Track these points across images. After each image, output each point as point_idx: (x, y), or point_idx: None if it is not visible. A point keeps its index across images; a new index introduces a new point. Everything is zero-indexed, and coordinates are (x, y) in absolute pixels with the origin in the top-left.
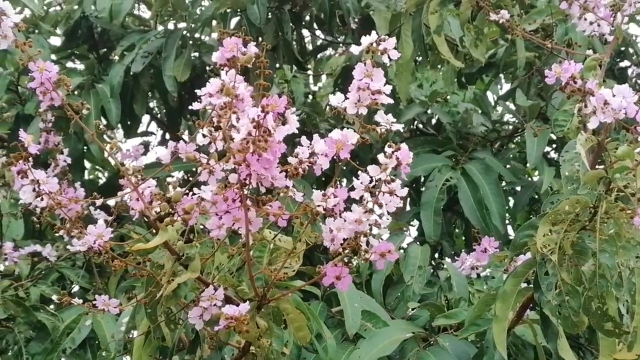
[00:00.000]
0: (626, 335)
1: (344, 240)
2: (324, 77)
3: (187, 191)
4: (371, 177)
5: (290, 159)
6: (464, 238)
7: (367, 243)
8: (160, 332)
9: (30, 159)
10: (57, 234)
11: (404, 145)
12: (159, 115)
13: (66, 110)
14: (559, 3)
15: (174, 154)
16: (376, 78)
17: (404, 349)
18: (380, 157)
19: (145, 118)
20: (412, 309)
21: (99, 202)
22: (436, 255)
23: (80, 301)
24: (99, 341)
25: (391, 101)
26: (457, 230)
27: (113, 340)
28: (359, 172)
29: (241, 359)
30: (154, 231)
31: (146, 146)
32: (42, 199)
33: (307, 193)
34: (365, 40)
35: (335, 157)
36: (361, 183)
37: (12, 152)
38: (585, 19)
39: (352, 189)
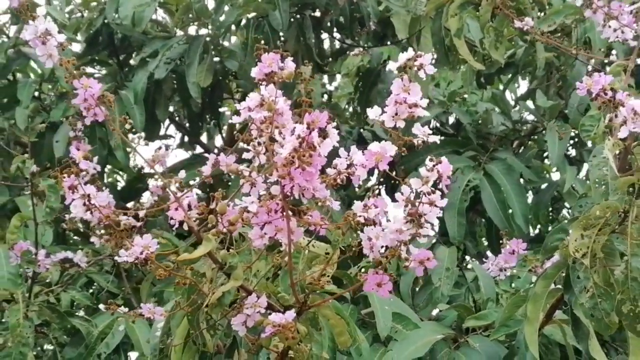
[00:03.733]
0: None
1: (383, 248)
2: (338, 76)
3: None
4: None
5: (328, 170)
6: (485, 238)
7: (407, 251)
8: (202, 338)
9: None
10: (83, 240)
11: (444, 159)
12: (177, 119)
13: (109, 125)
14: (577, 3)
15: (215, 166)
16: (413, 92)
17: (434, 350)
18: (422, 170)
19: (165, 121)
20: (441, 311)
21: (141, 213)
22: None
23: (126, 309)
24: (132, 346)
25: (427, 114)
26: (479, 229)
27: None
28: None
29: None
30: (181, 239)
31: (166, 148)
32: (91, 213)
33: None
34: (403, 56)
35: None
36: (402, 194)
37: (38, 160)
38: (610, 26)
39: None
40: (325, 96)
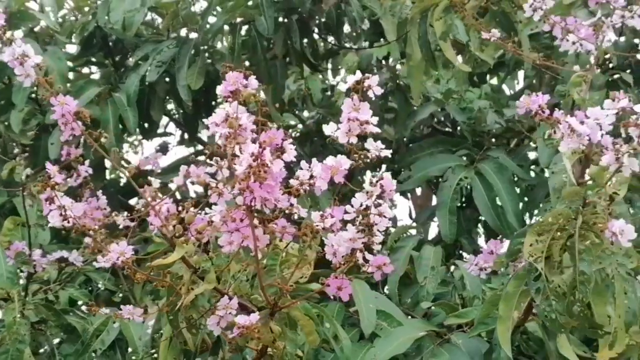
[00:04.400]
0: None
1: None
2: (342, 70)
3: (199, 211)
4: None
5: (292, 181)
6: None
7: (364, 258)
8: (183, 336)
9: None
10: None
11: (387, 175)
12: (176, 116)
13: (86, 139)
14: (526, 15)
15: (186, 176)
16: (363, 111)
17: (420, 346)
18: (366, 185)
19: (165, 119)
20: (428, 308)
21: (119, 220)
22: (457, 252)
23: (107, 310)
24: (127, 342)
25: (378, 130)
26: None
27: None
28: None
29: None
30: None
31: (165, 148)
32: (68, 222)
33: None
34: (351, 78)
35: None
36: (352, 207)
37: (34, 162)
38: (568, 40)
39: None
40: (329, 91)
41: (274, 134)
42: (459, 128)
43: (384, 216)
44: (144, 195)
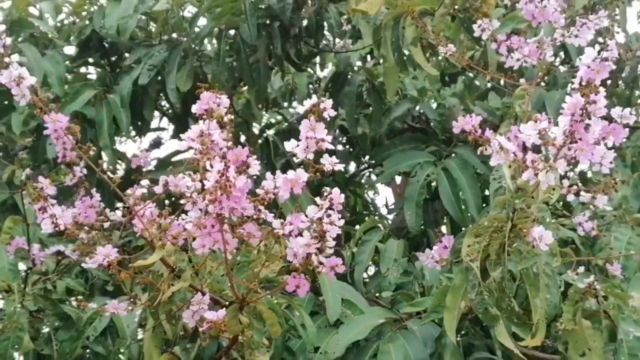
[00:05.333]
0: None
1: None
2: (330, 64)
3: (176, 217)
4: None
5: (258, 190)
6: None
7: (318, 260)
8: (163, 327)
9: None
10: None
11: (335, 190)
12: (169, 112)
13: (76, 151)
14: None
15: (165, 186)
16: (318, 130)
17: (381, 331)
18: (317, 199)
19: (158, 114)
20: (393, 297)
21: (106, 224)
22: (425, 242)
23: (95, 305)
24: (117, 329)
25: (332, 147)
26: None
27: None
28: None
29: (232, 347)
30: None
31: (158, 142)
32: (59, 228)
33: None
34: (308, 102)
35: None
36: (307, 216)
37: (34, 159)
38: (512, 57)
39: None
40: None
41: (240, 152)
42: (432, 124)
43: (335, 225)
44: (127, 201)
